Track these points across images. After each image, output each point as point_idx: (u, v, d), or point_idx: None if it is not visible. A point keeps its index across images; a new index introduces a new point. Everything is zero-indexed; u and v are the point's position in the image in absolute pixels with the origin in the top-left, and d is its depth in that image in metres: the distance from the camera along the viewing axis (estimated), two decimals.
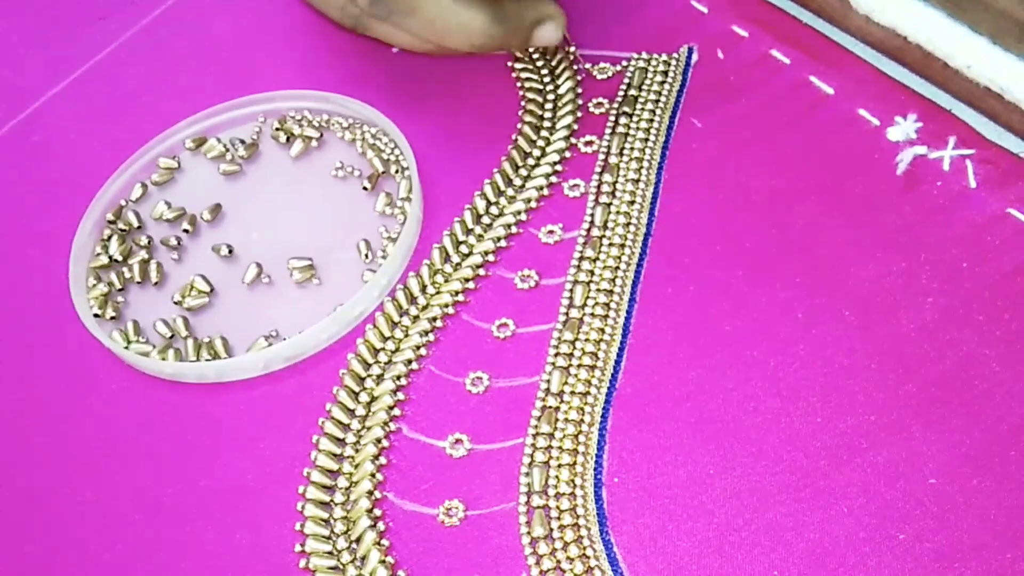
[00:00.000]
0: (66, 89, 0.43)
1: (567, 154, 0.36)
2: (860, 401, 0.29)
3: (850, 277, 0.31)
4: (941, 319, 0.30)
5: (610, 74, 0.38)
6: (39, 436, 0.34)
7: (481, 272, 0.34)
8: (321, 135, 0.39)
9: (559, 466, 0.30)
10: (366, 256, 0.35)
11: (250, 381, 0.34)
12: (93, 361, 0.35)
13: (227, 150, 0.39)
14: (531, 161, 0.36)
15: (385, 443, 0.31)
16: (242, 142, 0.39)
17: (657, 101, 0.37)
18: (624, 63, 0.38)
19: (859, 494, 0.28)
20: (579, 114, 0.37)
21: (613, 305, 0.32)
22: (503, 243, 0.35)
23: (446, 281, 0.34)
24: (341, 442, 0.31)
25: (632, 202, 0.35)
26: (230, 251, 0.37)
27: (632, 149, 0.36)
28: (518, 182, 0.36)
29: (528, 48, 0.37)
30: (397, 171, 0.37)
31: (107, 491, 0.32)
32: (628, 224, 0.34)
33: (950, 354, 0.29)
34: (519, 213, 0.35)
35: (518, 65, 0.39)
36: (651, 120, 0.36)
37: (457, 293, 0.34)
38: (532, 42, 0.36)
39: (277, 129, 0.39)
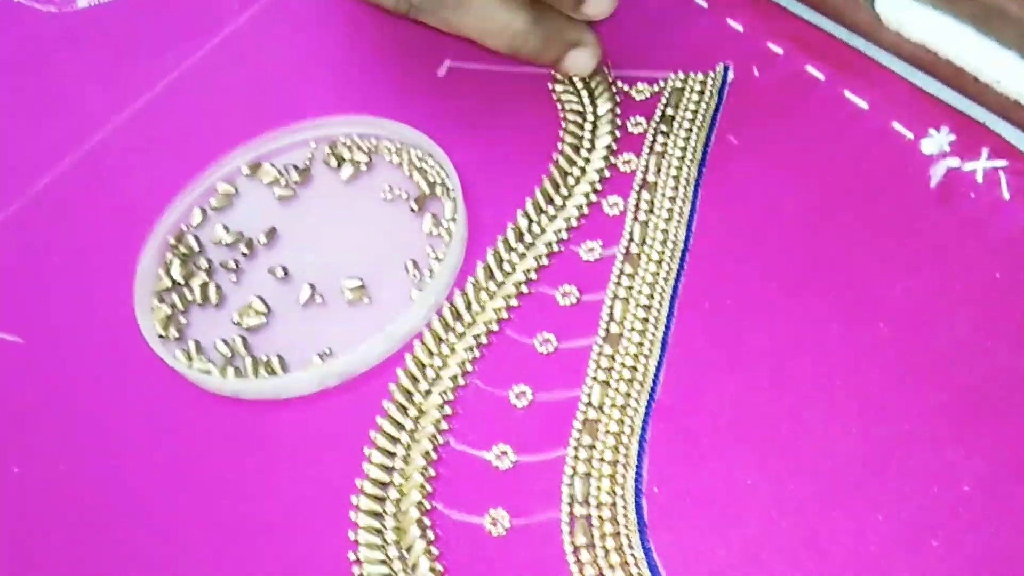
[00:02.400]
0: (130, 119, 0.45)
1: (606, 173, 0.37)
2: (894, 411, 0.30)
3: (885, 289, 0.32)
4: (975, 329, 0.30)
5: (648, 94, 0.39)
6: (106, 451, 0.35)
7: (524, 289, 0.35)
8: (370, 159, 0.41)
9: (600, 476, 0.31)
10: (414, 276, 0.37)
11: (305, 397, 0.35)
12: (157, 380, 0.36)
13: (281, 175, 0.41)
14: (571, 180, 0.37)
15: (433, 455, 0.32)
16: (295, 167, 0.41)
17: (694, 120, 0.38)
18: (661, 83, 0.39)
19: (894, 502, 0.28)
20: (618, 134, 0.38)
21: (652, 320, 0.33)
22: (544, 261, 0.36)
23: (490, 298, 0.35)
24: (391, 455, 0.33)
25: (669, 219, 0.36)
26: (285, 272, 0.38)
27: (669, 167, 0.37)
28: (559, 201, 0.37)
29: (561, 68, 0.39)
30: (443, 193, 0.38)
31: (171, 503, 0.34)
32: (666, 241, 0.35)
33: (983, 364, 0.30)
34: (560, 231, 0.36)
35: (559, 87, 0.40)
36: (688, 138, 0.37)
37: (501, 310, 0.35)
38: (565, 64, 0.38)
39: (328, 154, 0.41)
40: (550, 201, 0.37)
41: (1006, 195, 0.33)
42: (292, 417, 0.35)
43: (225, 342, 0.37)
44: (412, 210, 0.38)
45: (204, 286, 0.38)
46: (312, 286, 0.37)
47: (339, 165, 0.41)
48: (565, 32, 0.37)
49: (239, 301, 0.38)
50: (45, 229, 0.43)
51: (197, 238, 0.40)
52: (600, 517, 0.30)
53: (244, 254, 0.39)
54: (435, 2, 0.36)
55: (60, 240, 0.42)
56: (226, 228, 0.40)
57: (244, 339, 0.37)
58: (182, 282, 0.39)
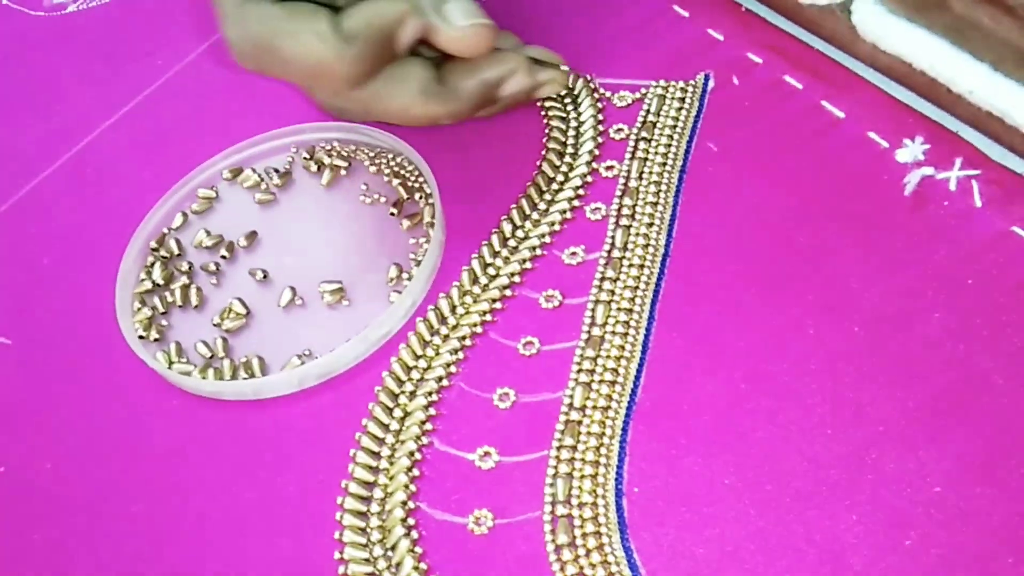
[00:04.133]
0: (116, 123, 0.45)
1: (589, 179, 0.38)
2: (869, 413, 0.30)
3: (860, 294, 0.33)
4: (947, 334, 0.31)
5: (630, 101, 0.40)
6: (88, 451, 0.36)
7: (508, 293, 0.36)
8: (349, 164, 0.41)
9: (582, 477, 0.31)
10: (392, 279, 0.37)
11: (286, 398, 0.35)
12: (138, 380, 0.37)
13: (262, 180, 0.41)
14: (555, 186, 0.38)
15: (418, 456, 0.33)
16: (276, 171, 0.41)
17: (675, 127, 0.38)
18: (643, 90, 0.40)
19: (868, 502, 0.29)
20: (600, 140, 0.39)
21: (633, 323, 0.34)
22: (528, 265, 0.36)
23: (475, 302, 0.36)
24: (376, 455, 0.33)
25: (651, 224, 0.36)
26: (265, 275, 0.38)
27: (651, 173, 0.37)
28: (543, 206, 0.37)
29: (532, 96, 0.39)
30: (421, 197, 0.39)
31: (154, 503, 0.34)
32: (647, 245, 0.35)
33: (956, 368, 0.31)
34: (543, 236, 0.37)
35: (540, 94, 0.40)
36: (669, 145, 0.38)
37: (485, 313, 0.35)
38: (505, 93, 0.38)
39: (307, 159, 0.41)
40: (534, 206, 0.37)
41: (978, 203, 0.34)
42: (273, 418, 0.35)
43: (205, 344, 0.37)
44: (391, 214, 0.39)
45: (185, 288, 0.39)
46: (292, 289, 0.38)
47: (319, 170, 0.41)
48: (466, 82, 0.37)
49: (220, 303, 0.38)
50: (30, 231, 0.43)
51: (178, 241, 0.40)
52: (581, 517, 0.30)
53: (224, 257, 0.39)
54: (347, 115, 0.39)
55: (44, 242, 0.42)
56: (207, 231, 0.40)
57: (225, 341, 0.37)
58: (163, 284, 0.39)
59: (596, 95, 0.40)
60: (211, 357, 0.37)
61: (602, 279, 0.35)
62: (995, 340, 0.31)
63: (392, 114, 0.37)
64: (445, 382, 0.34)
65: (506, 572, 0.30)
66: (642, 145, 0.38)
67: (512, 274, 0.36)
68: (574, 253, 0.36)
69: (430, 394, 0.34)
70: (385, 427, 0.33)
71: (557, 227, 0.37)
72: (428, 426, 0.33)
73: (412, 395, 0.34)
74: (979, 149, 0.34)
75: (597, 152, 0.38)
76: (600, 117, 0.39)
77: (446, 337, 0.35)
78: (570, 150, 0.39)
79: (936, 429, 0.30)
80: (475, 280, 0.36)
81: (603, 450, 0.31)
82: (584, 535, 0.30)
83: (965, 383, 0.30)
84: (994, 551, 0.27)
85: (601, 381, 0.33)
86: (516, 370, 0.34)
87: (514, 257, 0.36)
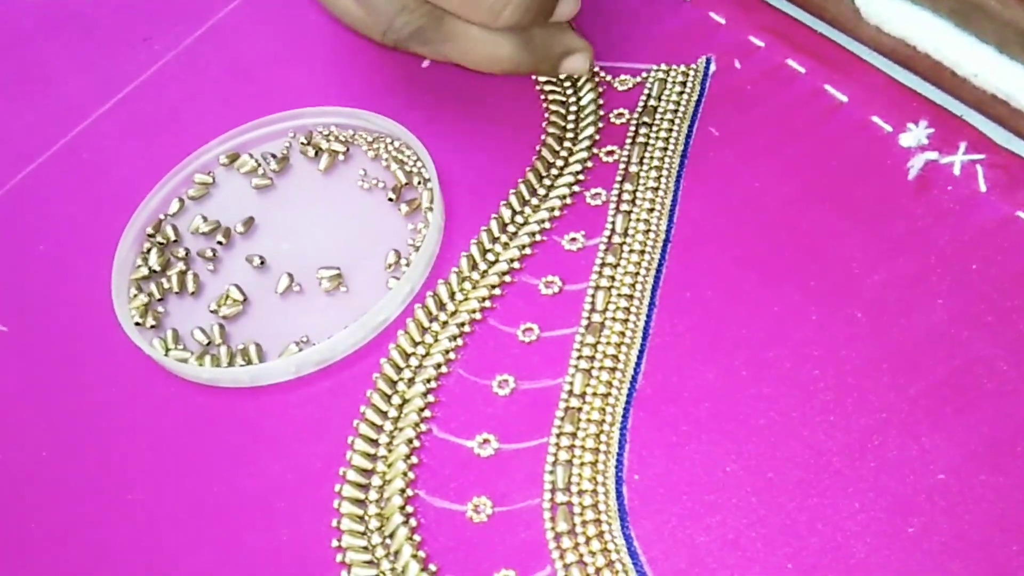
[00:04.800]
0: (113, 108, 0.45)
1: (589, 164, 0.38)
2: (871, 400, 0.30)
3: (862, 280, 0.32)
4: (951, 320, 0.31)
5: (631, 86, 0.39)
6: (84, 438, 0.35)
7: (507, 279, 0.35)
8: (347, 149, 0.41)
9: (582, 464, 0.31)
10: (391, 265, 0.37)
11: (283, 385, 0.35)
12: (135, 367, 0.36)
13: (259, 165, 0.41)
14: (554, 171, 0.38)
15: (416, 443, 0.32)
16: (273, 156, 0.41)
17: (676, 111, 0.38)
18: (644, 75, 0.39)
19: (870, 489, 0.29)
20: (600, 125, 0.38)
21: (633, 309, 0.34)
22: (528, 251, 0.36)
23: (474, 288, 0.35)
24: (375, 443, 0.33)
25: (652, 209, 0.36)
26: (262, 262, 0.38)
27: (652, 158, 0.37)
28: (542, 192, 0.37)
29: (556, 75, 0.39)
30: (419, 182, 0.38)
31: (152, 490, 0.34)
32: (648, 231, 0.35)
33: (959, 354, 0.30)
34: (543, 222, 0.36)
35: (542, 79, 0.40)
36: (670, 130, 0.38)
37: (484, 299, 0.35)
38: (560, 70, 0.38)
39: (305, 144, 0.41)
40: (534, 192, 0.37)
41: (983, 188, 0.33)
42: (271, 405, 0.35)
43: (202, 330, 0.37)
44: (390, 199, 0.38)
45: (182, 275, 0.38)
46: (290, 275, 0.37)
47: (316, 155, 0.41)
48: (553, 46, 0.37)
49: (216, 290, 0.38)
50: (26, 218, 0.42)
51: (175, 227, 0.40)
52: (581, 504, 0.30)
53: (221, 243, 0.39)
54: (422, 37, 0.36)
55: (40, 229, 0.42)
56: (204, 217, 0.40)
57: (222, 327, 0.37)
58: (159, 271, 0.39)
59: (596, 79, 0.40)
60: (208, 344, 0.36)
61: (602, 265, 0.35)
62: (999, 326, 0.30)
63: (477, 57, 0.36)
64: (444, 369, 0.34)
65: (505, 559, 0.30)
66: (643, 130, 0.38)
67: (511, 260, 0.36)
68: (574, 239, 0.36)
69: (429, 381, 0.33)
70: (383, 414, 0.33)
71: (557, 213, 0.37)
72: (427, 413, 0.33)
73: (410, 382, 0.34)
74: (984, 133, 0.34)
75: (597, 137, 0.38)
76: (600, 102, 0.39)
77: (445, 323, 0.35)
78: (570, 135, 0.38)
79: (939, 416, 0.29)
80: (474, 266, 0.36)
81: (603, 437, 0.31)
82: (584, 522, 0.30)
83: (969, 369, 0.30)
84: (998, 539, 0.27)
85: (601, 368, 0.32)
86: (515, 357, 0.34)
87: (513, 243, 0.36)
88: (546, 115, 0.39)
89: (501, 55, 0.36)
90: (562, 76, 0.40)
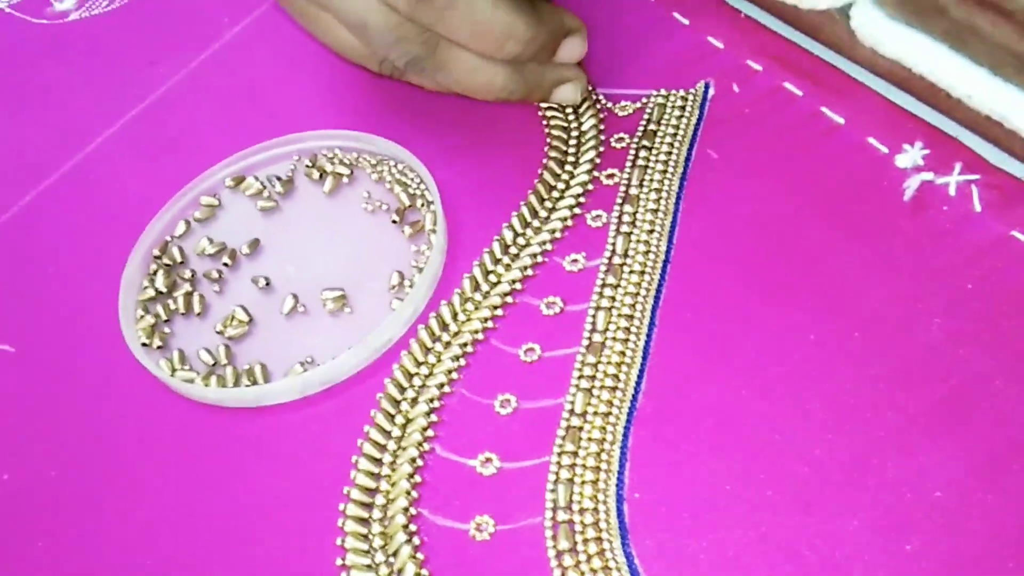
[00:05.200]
0: (119, 131, 0.45)
1: (590, 187, 0.38)
2: (869, 419, 0.30)
3: (860, 299, 0.33)
4: (947, 338, 0.31)
5: (631, 111, 0.40)
6: (91, 457, 0.36)
7: (509, 300, 0.36)
8: (352, 172, 0.41)
9: (583, 483, 0.31)
10: (394, 286, 0.37)
11: (288, 405, 0.35)
12: (141, 387, 0.37)
13: (264, 187, 0.41)
14: (556, 194, 0.38)
15: (420, 462, 0.33)
16: (279, 179, 0.41)
17: (675, 135, 0.38)
18: (644, 100, 0.40)
19: (869, 507, 0.29)
20: (601, 149, 0.39)
21: (634, 329, 0.34)
22: (529, 272, 0.36)
23: (476, 308, 0.36)
24: (378, 462, 0.33)
25: (652, 231, 0.36)
26: (268, 283, 0.39)
27: (651, 181, 0.37)
28: (543, 214, 0.38)
29: (550, 100, 0.40)
30: (423, 205, 0.39)
31: (158, 509, 0.34)
32: (648, 252, 0.36)
33: (956, 372, 0.31)
34: (544, 243, 0.37)
35: (543, 105, 0.40)
36: (669, 153, 0.38)
37: (486, 320, 0.35)
38: (553, 98, 0.39)
39: (310, 167, 0.41)
40: (535, 214, 0.38)
41: (977, 207, 0.34)
42: (276, 425, 0.35)
43: (208, 351, 0.37)
44: (393, 222, 0.39)
45: (188, 296, 0.39)
46: (295, 296, 0.38)
47: (321, 177, 0.41)
48: (546, 75, 0.38)
49: (222, 311, 0.38)
50: (33, 239, 0.43)
51: (181, 249, 0.40)
52: (583, 523, 0.30)
53: (227, 264, 0.39)
54: (418, 65, 0.37)
55: (47, 250, 0.42)
56: (210, 239, 0.40)
57: (227, 348, 0.37)
58: (166, 292, 0.39)
59: (598, 106, 0.40)
60: (214, 364, 0.37)
61: (603, 286, 0.35)
62: (995, 344, 0.31)
63: (471, 85, 0.37)
64: (447, 389, 0.34)
65: None
66: (643, 153, 0.38)
67: (513, 281, 0.36)
68: (575, 260, 0.36)
69: (432, 401, 0.34)
70: (387, 434, 0.33)
71: (558, 234, 0.37)
72: (430, 432, 0.33)
73: (414, 402, 0.34)
74: (978, 154, 0.35)
75: (598, 160, 0.39)
76: (601, 127, 0.40)
77: (448, 344, 0.35)
78: (571, 159, 0.39)
79: (937, 434, 0.30)
80: (477, 287, 0.36)
81: (604, 456, 0.31)
82: (585, 541, 0.30)
83: (966, 387, 0.30)
84: (996, 555, 0.27)
85: (602, 387, 0.33)
86: (517, 376, 0.34)
87: (515, 264, 0.36)
88: (548, 139, 0.39)
89: (495, 83, 0.37)
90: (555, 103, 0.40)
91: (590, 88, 0.40)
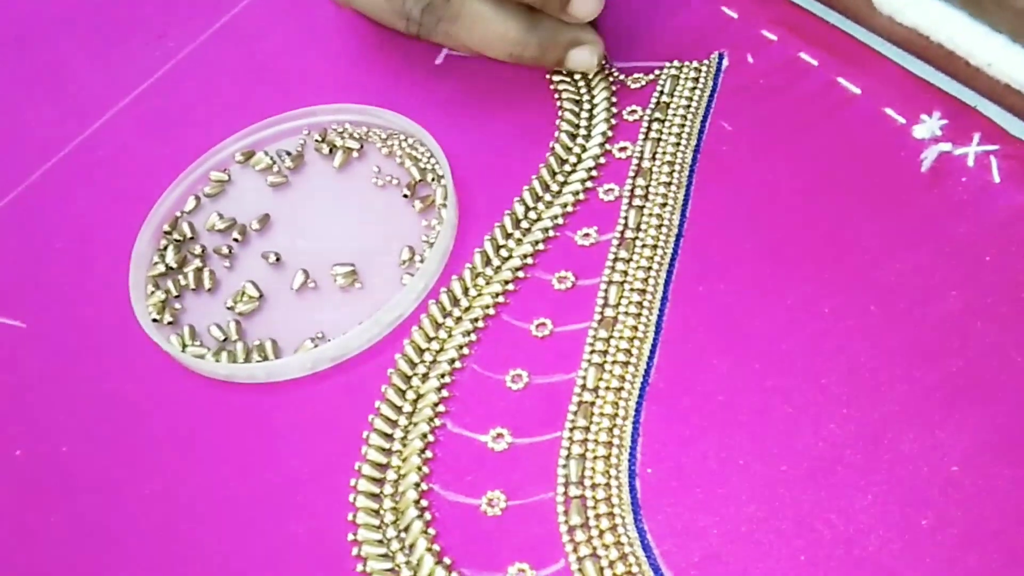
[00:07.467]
0: (128, 106, 0.45)
1: (602, 160, 0.38)
2: (885, 392, 0.30)
3: (875, 272, 0.32)
4: (964, 311, 0.31)
5: (643, 83, 0.39)
6: (102, 433, 0.36)
7: (520, 274, 0.36)
8: (362, 146, 0.41)
9: (595, 458, 0.31)
10: (405, 261, 0.37)
11: (298, 381, 0.35)
12: (152, 363, 0.37)
13: (274, 162, 0.41)
14: (567, 167, 0.38)
15: (431, 438, 0.33)
16: (288, 154, 0.41)
17: (688, 107, 0.38)
18: (657, 72, 0.39)
19: (883, 482, 0.28)
20: (614, 121, 0.39)
21: (646, 303, 0.34)
22: (541, 246, 0.36)
23: (487, 283, 0.35)
24: (389, 437, 0.33)
25: (664, 204, 0.36)
26: (278, 258, 0.38)
27: (664, 153, 0.37)
28: (555, 188, 0.37)
29: (564, 66, 0.39)
30: (433, 179, 0.39)
31: (168, 484, 0.34)
32: (660, 226, 0.35)
33: (973, 345, 0.30)
34: (556, 217, 0.36)
35: (555, 77, 0.40)
36: (683, 125, 0.38)
37: (498, 295, 0.35)
38: (567, 63, 0.38)
39: (320, 141, 0.41)
40: (547, 188, 0.37)
41: (996, 178, 0.33)
42: (287, 401, 0.35)
43: (219, 327, 0.37)
44: (404, 196, 0.38)
45: (198, 272, 0.39)
46: (305, 272, 0.38)
47: (331, 152, 0.41)
48: (560, 34, 0.38)
49: (233, 286, 0.38)
50: (43, 215, 0.43)
51: (191, 224, 0.40)
52: (595, 498, 0.30)
53: (237, 240, 0.39)
54: (434, 20, 0.38)
55: (57, 226, 0.42)
56: (220, 215, 0.40)
57: (238, 324, 0.37)
58: (176, 268, 0.39)
59: (611, 78, 0.40)
60: (224, 340, 0.37)
61: (615, 260, 0.35)
62: (1013, 316, 0.30)
63: (485, 36, 0.38)
64: (458, 364, 0.34)
65: (519, 553, 0.30)
66: (655, 125, 0.38)
67: (525, 256, 0.36)
68: (587, 234, 0.36)
69: (443, 376, 0.34)
70: (398, 409, 0.33)
71: (570, 208, 0.37)
72: (441, 408, 0.33)
73: (425, 377, 0.34)
74: (997, 124, 0.34)
75: (610, 133, 0.38)
76: (614, 100, 0.39)
77: (459, 319, 0.35)
78: (583, 132, 0.38)
79: (953, 408, 0.29)
80: (488, 262, 0.36)
81: (616, 431, 0.31)
82: (597, 516, 0.30)
83: (983, 361, 0.30)
84: (1012, 531, 0.27)
85: (614, 362, 0.32)
86: (529, 351, 0.34)
87: (527, 239, 0.36)
88: (559, 112, 0.39)
89: (509, 35, 0.37)
90: (571, 71, 0.40)
91: (603, 60, 0.40)
